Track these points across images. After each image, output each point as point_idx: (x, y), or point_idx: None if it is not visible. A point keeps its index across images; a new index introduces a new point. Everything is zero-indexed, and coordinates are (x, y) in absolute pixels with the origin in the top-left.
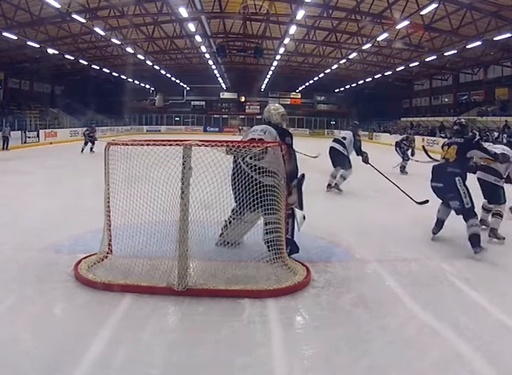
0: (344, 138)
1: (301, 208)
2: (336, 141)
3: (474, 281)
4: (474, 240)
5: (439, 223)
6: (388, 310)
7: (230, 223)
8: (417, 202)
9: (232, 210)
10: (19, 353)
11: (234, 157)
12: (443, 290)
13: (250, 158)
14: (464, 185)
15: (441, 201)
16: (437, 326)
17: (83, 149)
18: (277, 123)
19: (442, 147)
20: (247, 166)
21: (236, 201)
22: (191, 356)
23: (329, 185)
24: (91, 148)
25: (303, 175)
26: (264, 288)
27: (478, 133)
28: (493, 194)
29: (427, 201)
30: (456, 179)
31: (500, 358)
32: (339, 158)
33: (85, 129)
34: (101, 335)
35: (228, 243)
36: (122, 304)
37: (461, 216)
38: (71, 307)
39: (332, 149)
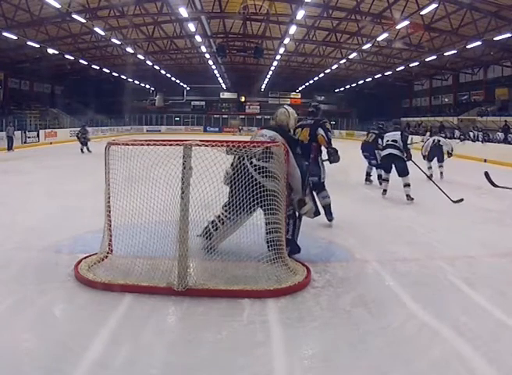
0: None
1: (318, 213)
2: None
3: (474, 281)
4: (328, 209)
5: None
6: (388, 310)
7: (224, 223)
8: (452, 201)
9: (226, 210)
10: (19, 353)
11: (239, 158)
12: (443, 290)
13: (258, 159)
14: (322, 163)
15: None
16: (437, 326)
17: (82, 149)
18: (290, 129)
19: (296, 129)
20: (253, 166)
21: (232, 201)
22: (191, 356)
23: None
24: (88, 148)
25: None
26: (264, 288)
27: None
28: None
29: (462, 200)
30: (318, 158)
31: (500, 358)
32: None
33: (77, 132)
34: (101, 335)
35: (214, 248)
36: (122, 304)
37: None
38: (71, 307)
39: None
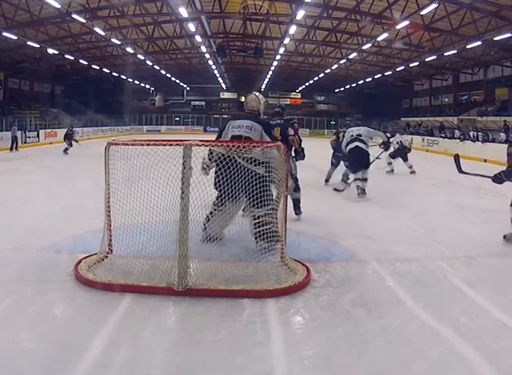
0: None
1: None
2: None
3: (474, 281)
4: (297, 203)
5: None
6: (388, 310)
7: (211, 214)
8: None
9: (214, 202)
10: (19, 353)
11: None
12: (443, 290)
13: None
14: (293, 160)
15: None
16: (437, 326)
17: (65, 150)
18: (260, 113)
19: None
20: (243, 159)
21: (218, 192)
22: (191, 356)
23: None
24: (66, 149)
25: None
26: (264, 288)
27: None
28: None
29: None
30: (291, 156)
31: (500, 358)
32: None
33: (68, 132)
34: (101, 335)
35: (212, 238)
36: (122, 304)
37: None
38: (71, 307)
39: None
